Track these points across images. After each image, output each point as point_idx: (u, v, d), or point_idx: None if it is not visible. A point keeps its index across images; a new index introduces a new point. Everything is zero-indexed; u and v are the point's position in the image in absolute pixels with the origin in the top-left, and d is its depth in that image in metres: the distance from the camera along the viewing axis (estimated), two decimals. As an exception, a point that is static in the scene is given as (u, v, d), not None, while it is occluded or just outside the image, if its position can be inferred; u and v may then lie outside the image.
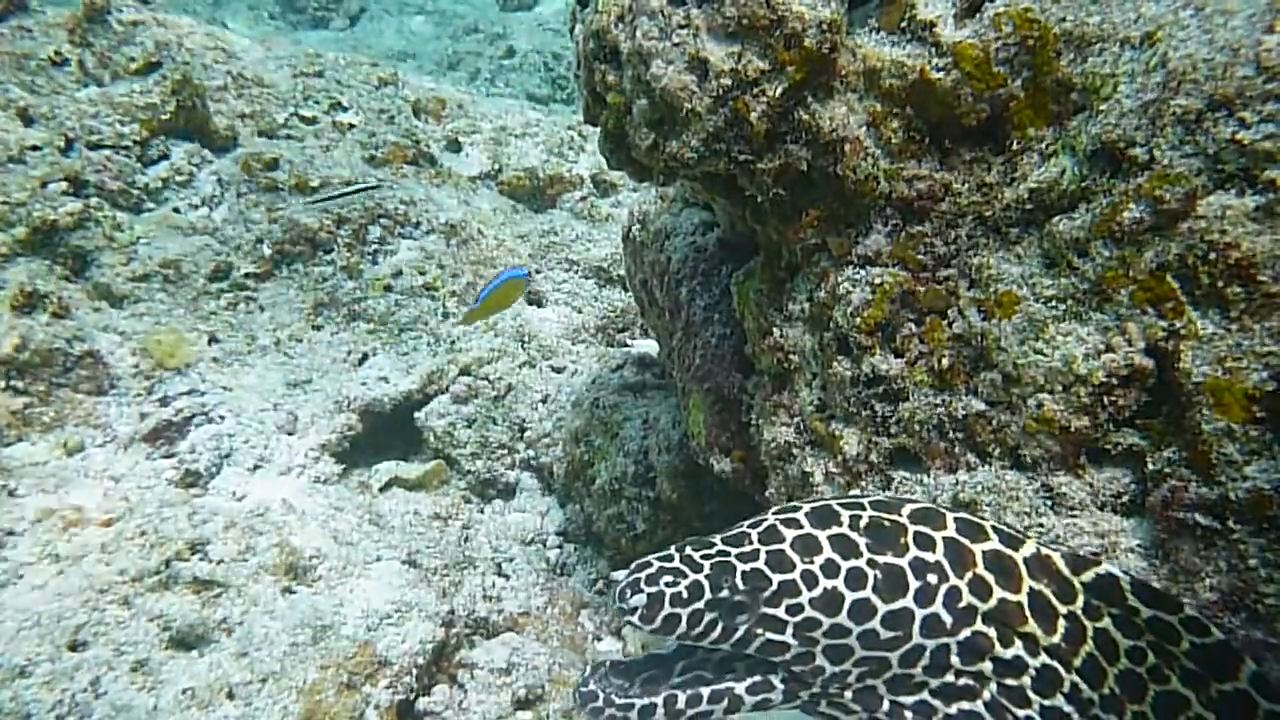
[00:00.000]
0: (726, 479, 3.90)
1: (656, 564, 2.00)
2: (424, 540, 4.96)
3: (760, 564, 1.97)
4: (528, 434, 5.81)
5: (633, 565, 2.02)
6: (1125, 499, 2.37)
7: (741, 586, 1.95)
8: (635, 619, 1.95)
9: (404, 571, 4.60)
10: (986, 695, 2.00)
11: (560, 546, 5.40)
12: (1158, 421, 2.28)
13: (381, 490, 5.42)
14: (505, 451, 5.76)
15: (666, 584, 1.95)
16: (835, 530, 2.02)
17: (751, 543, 2.02)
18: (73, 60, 6.50)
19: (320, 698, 3.85)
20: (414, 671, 4.11)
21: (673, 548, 2.05)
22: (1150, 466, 2.28)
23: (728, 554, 2.00)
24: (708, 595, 1.94)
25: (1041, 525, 2.43)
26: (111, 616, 3.95)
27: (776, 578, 1.96)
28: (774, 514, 2.10)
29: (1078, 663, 2.00)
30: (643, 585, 1.95)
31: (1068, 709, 2.00)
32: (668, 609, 1.93)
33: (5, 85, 6.20)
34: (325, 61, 8.39)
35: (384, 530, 4.95)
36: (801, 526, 2.03)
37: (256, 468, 5.17)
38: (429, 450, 5.79)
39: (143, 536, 4.33)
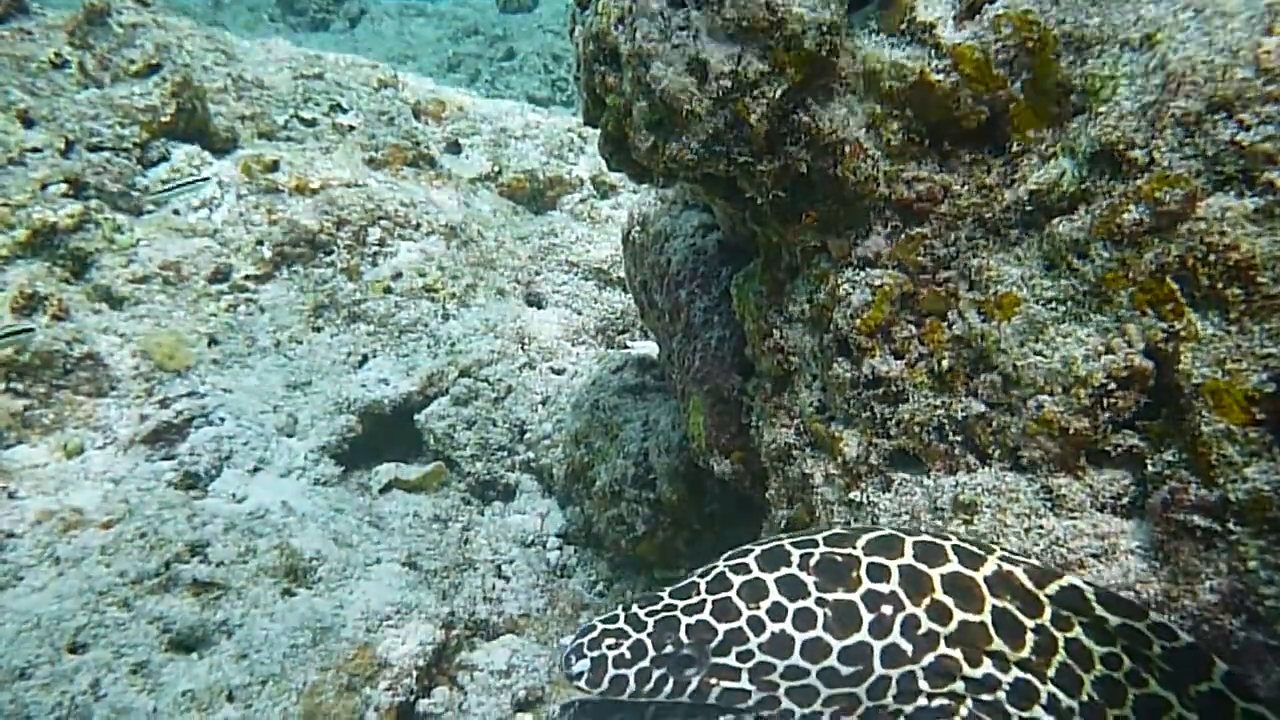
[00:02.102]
0: (727, 480, 3.90)
1: (600, 627, 2.00)
2: (424, 542, 4.96)
3: (705, 615, 1.98)
4: (528, 436, 5.81)
5: (578, 630, 2.03)
6: (1125, 501, 2.36)
7: (686, 640, 1.95)
8: (582, 684, 1.95)
9: (404, 573, 4.60)
10: (964, 711, 2.00)
11: (560, 548, 5.40)
12: (1157, 423, 2.28)
13: (381, 492, 5.42)
14: (505, 453, 5.76)
15: (609, 647, 1.95)
16: (784, 571, 2.02)
17: (699, 593, 2.02)
18: (73, 62, 6.50)
19: (320, 700, 3.85)
20: (414, 673, 4.11)
21: (619, 607, 2.06)
22: (1150, 468, 2.28)
23: (674, 608, 2.01)
24: (651, 653, 1.94)
25: (1041, 527, 2.43)
26: (111, 619, 3.95)
27: (722, 627, 1.96)
28: (724, 560, 2.11)
29: (1052, 673, 2.00)
30: (586, 650, 1.96)
31: (1048, 719, 2.00)
32: (612, 671, 1.94)
33: (6, 87, 6.21)
34: (325, 63, 8.39)
35: (384, 532, 4.95)
36: (750, 571, 2.03)
37: (256, 470, 5.17)
38: (429, 452, 5.79)
39: (143, 539, 4.33)
